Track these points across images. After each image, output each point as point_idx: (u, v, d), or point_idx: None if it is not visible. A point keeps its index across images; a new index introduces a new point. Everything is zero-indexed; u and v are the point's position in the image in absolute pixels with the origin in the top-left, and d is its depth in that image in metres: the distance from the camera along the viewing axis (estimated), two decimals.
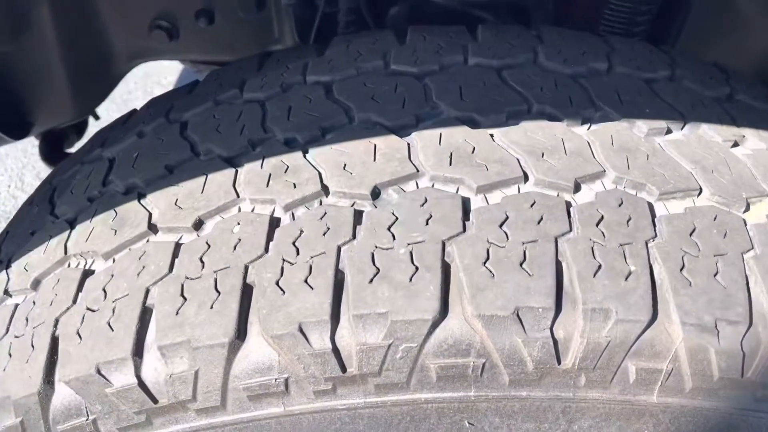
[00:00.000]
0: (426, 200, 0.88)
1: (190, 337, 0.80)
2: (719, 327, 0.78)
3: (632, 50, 1.23)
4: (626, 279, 0.80)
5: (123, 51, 1.61)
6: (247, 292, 0.83)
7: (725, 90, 1.18)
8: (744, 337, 0.78)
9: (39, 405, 0.85)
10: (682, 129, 1.05)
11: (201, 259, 0.87)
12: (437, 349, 0.79)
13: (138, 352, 0.82)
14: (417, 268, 0.81)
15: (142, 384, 0.82)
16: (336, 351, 0.79)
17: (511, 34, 1.25)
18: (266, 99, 1.14)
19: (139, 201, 1.00)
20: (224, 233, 0.90)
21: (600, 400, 0.81)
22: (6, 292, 1.01)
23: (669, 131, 1.03)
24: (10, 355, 0.90)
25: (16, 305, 0.98)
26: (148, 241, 0.94)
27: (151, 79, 4.01)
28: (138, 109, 1.34)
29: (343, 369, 0.80)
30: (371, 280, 0.80)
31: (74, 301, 0.91)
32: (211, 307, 0.82)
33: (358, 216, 0.88)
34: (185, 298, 0.84)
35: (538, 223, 0.85)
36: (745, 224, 0.88)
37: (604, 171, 0.93)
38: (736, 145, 1.04)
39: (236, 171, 0.99)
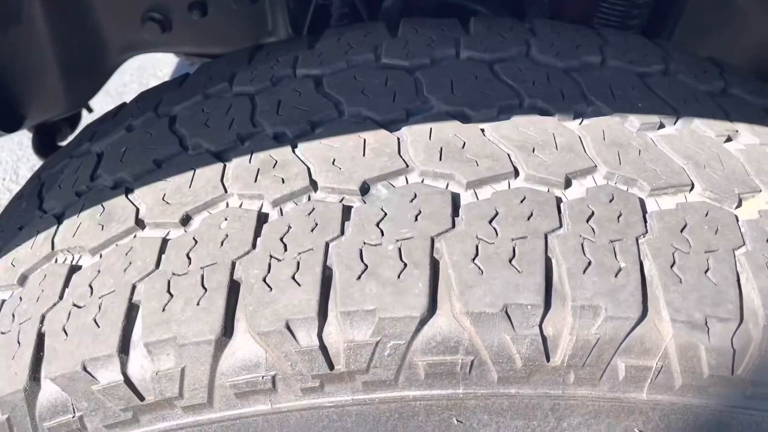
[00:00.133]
0: (415, 196, 0.88)
1: (176, 334, 0.80)
2: (709, 324, 0.77)
3: (626, 43, 1.22)
4: (616, 276, 0.79)
5: (115, 43, 1.59)
6: (234, 288, 0.82)
7: (719, 84, 1.17)
8: (734, 334, 0.78)
9: (25, 402, 0.85)
10: (675, 124, 1.04)
11: (188, 255, 0.87)
12: (425, 346, 0.78)
13: (124, 348, 0.82)
14: (405, 265, 0.80)
15: (128, 381, 0.81)
16: (323, 348, 0.78)
17: (503, 27, 1.24)
18: (256, 93, 1.13)
19: (126, 196, 0.99)
20: (211, 229, 0.89)
21: (589, 397, 0.81)
22: None
23: (662, 126, 1.03)
24: None
25: (3, 301, 0.97)
26: (135, 236, 0.93)
27: (146, 72, 3.99)
28: (128, 102, 1.33)
29: (331, 366, 0.79)
30: (359, 277, 0.80)
31: (61, 297, 0.90)
32: (198, 304, 0.81)
33: (346, 212, 0.87)
34: (172, 295, 0.83)
35: (528, 219, 0.84)
36: (737, 220, 0.88)
37: (596, 166, 0.92)
38: (729, 140, 1.03)
39: (224, 166, 0.98)
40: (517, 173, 0.91)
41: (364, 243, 0.83)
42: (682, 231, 0.85)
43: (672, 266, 0.81)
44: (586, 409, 0.81)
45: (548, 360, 0.78)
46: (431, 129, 0.98)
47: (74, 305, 0.88)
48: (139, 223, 0.94)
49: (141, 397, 0.82)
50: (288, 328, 0.78)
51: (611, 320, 0.77)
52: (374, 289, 0.79)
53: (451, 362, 0.79)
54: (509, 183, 0.90)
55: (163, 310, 0.82)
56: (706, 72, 1.19)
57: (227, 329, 0.80)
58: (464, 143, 0.95)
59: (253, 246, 0.86)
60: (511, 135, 0.97)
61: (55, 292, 0.91)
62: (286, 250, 0.84)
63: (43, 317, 0.89)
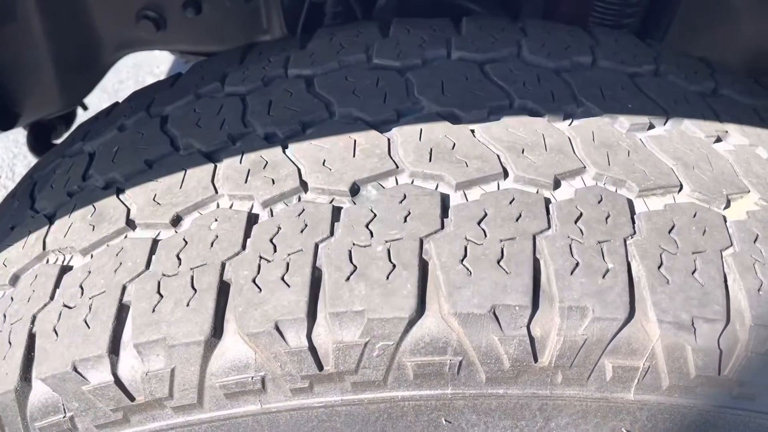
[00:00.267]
0: (405, 197, 0.88)
1: (166, 334, 0.80)
2: (696, 325, 0.78)
3: (617, 44, 1.22)
4: (603, 277, 0.80)
5: (110, 41, 1.59)
6: (223, 289, 0.83)
7: (710, 85, 1.17)
8: (721, 335, 0.78)
9: (16, 402, 0.85)
10: (664, 124, 1.04)
11: (178, 256, 0.87)
12: (414, 347, 0.79)
13: (114, 349, 0.82)
14: (394, 266, 0.80)
15: (118, 381, 0.82)
16: (313, 349, 0.79)
17: (495, 27, 1.24)
18: (247, 93, 1.13)
19: (117, 196, 0.99)
20: (202, 230, 0.89)
21: (577, 397, 0.81)
22: None
23: (651, 127, 1.03)
24: None
25: None
26: (125, 237, 0.93)
27: (142, 69, 3.99)
28: (120, 101, 1.33)
29: (320, 367, 0.79)
30: (348, 278, 0.80)
31: (51, 298, 0.90)
32: (188, 305, 0.81)
33: (336, 213, 0.88)
34: (162, 296, 0.83)
35: (517, 220, 0.85)
36: (725, 221, 0.88)
37: (585, 167, 0.92)
38: (718, 140, 1.03)
39: (215, 166, 0.98)
40: (506, 174, 0.91)
41: (354, 244, 0.83)
42: (669, 232, 0.85)
43: (659, 267, 0.81)
44: (574, 409, 0.82)
45: (536, 360, 0.79)
46: (421, 130, 0.98)
47: (65, 306, 0.88)
48: (130, 224, 0.94)
49: (131, 398, 0.82)
50: (277, 329, 0.78)
51: (598, 321, 0.78)
52: (363, 291, 0.79)
53: (439, 363, 0.79)
54: (498, 184, 0.91)
55: (153, 311, 0.82)
56: (697, 72, 1.19)
57: (217, 330, 0.80)
58: (454, 144, 0.95)
59: (243, 247, 0.86)
60: (500, 136, 0.97)
61: (46, 292, 0.91)
62: (275, 251, 0.84)
63: (34, 318, 0.89)
